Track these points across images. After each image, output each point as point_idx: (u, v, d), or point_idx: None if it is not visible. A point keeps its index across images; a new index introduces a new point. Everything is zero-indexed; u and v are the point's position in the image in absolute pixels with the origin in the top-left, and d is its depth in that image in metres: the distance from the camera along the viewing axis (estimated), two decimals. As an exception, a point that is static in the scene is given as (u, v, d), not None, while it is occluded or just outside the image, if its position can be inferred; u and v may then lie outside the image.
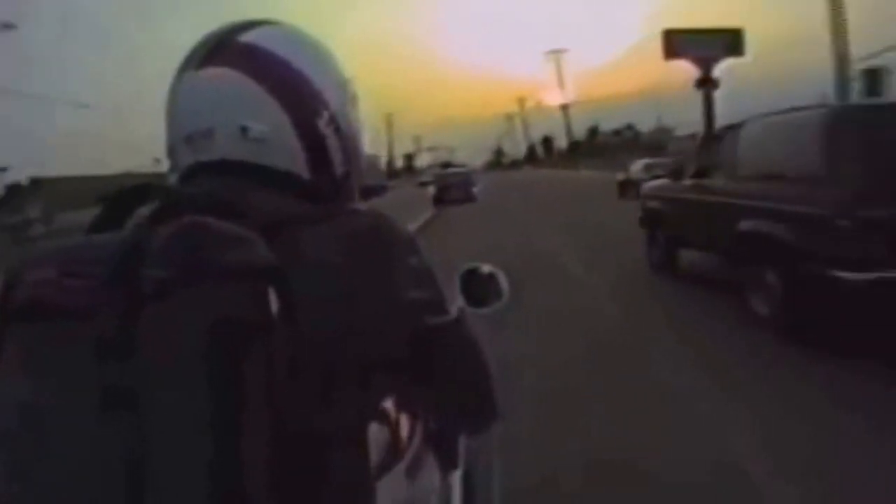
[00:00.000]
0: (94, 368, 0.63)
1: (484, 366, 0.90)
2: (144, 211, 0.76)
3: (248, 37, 0.84)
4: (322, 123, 0.85)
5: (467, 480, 1.29)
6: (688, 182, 6.94)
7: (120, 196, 0.77)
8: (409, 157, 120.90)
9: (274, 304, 0.65)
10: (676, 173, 7.52)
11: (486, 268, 1.38)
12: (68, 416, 0.63)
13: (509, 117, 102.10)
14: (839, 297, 4.29)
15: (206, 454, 0.61)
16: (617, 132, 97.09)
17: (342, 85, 0.89)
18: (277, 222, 0.74)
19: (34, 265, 0.68)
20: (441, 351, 0.83)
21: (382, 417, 0.86)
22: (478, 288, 1.34)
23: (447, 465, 1.17)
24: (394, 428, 0.92)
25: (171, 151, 0.87)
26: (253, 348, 0.63)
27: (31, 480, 0.63)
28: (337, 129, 0.86)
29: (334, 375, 0.72)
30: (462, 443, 1.24)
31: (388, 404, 0.89)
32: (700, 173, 6.72)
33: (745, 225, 5.40)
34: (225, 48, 0.83)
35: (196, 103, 0.83)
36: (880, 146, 4.47)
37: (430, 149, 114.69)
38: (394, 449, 0.92)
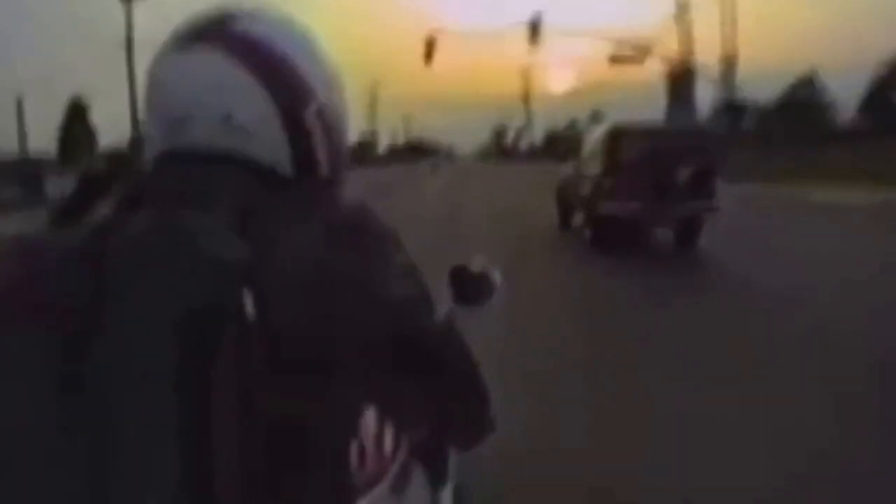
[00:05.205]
0: (60, 367, 0.60)
1: (476, 371, 0.85)
2: (110, 200, 0.73)
3: (237, 23, 0.81)
4: (309, 117, 0.82)
5: (458, 496, 1.23)
6: (568, 166, 12.95)
7: (85, 184, 0.74)
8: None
9: (248, 299, 0.62)
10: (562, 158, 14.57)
11: (476, 264, 1.33)
12: (30, 415, 0.60)
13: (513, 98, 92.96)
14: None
15: (172, 455, 0.59)
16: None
17: (333, 78, 0.87)
18: (251, 213, 0.70)
19: None
20: (430, 354, 0.78)
21: (365, 427, 0.80)
22: (468, 286, 1.30)
23: (437, 479, 1.11)
24: (377, 439, 0.87)
25: (146, 135, 0.84)
26: (224, 345, 0.60)
27: None
28: (324, 125, 0.83)
29: (311, 376, 0.67)
30: (453, 455, 1.19)
31: (371, 413, 0.84)
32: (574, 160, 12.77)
33: (581, 190, 11.10)
34: (212, 33, 0.81)
35: (178, 87, 0.80)
36: (626, 148, 10.38)
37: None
38: (378, 462, 0.87)
